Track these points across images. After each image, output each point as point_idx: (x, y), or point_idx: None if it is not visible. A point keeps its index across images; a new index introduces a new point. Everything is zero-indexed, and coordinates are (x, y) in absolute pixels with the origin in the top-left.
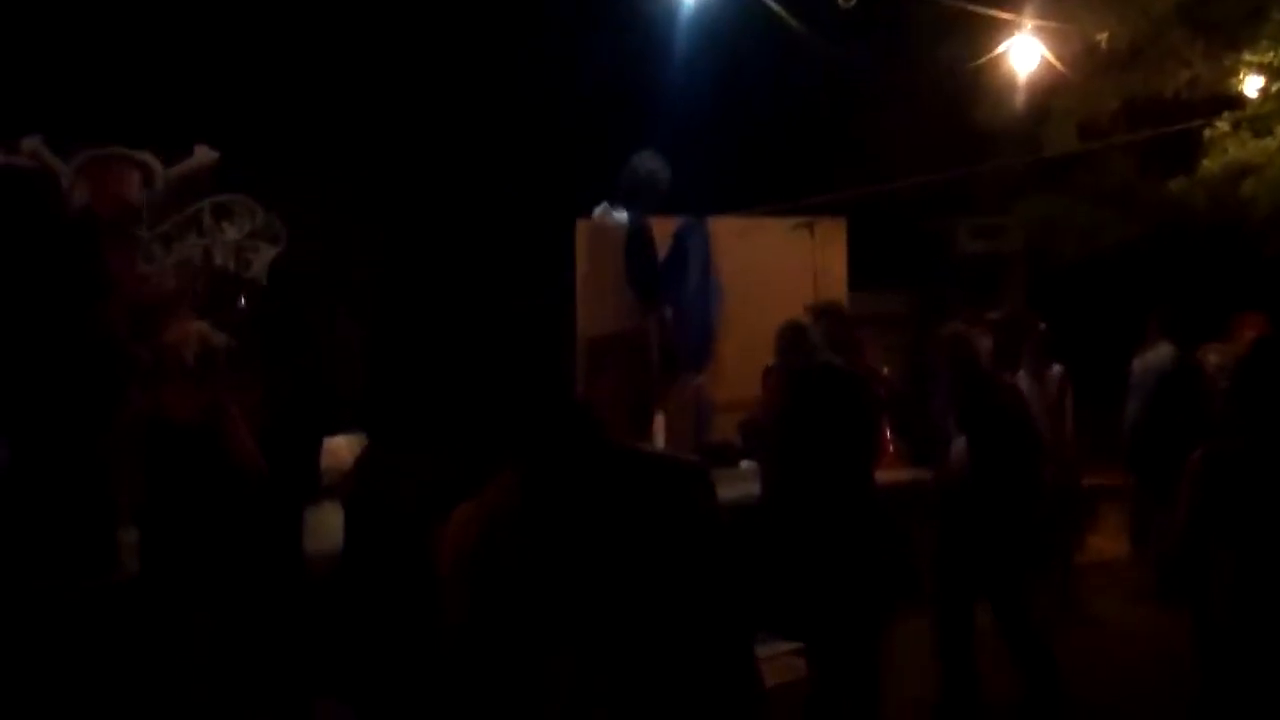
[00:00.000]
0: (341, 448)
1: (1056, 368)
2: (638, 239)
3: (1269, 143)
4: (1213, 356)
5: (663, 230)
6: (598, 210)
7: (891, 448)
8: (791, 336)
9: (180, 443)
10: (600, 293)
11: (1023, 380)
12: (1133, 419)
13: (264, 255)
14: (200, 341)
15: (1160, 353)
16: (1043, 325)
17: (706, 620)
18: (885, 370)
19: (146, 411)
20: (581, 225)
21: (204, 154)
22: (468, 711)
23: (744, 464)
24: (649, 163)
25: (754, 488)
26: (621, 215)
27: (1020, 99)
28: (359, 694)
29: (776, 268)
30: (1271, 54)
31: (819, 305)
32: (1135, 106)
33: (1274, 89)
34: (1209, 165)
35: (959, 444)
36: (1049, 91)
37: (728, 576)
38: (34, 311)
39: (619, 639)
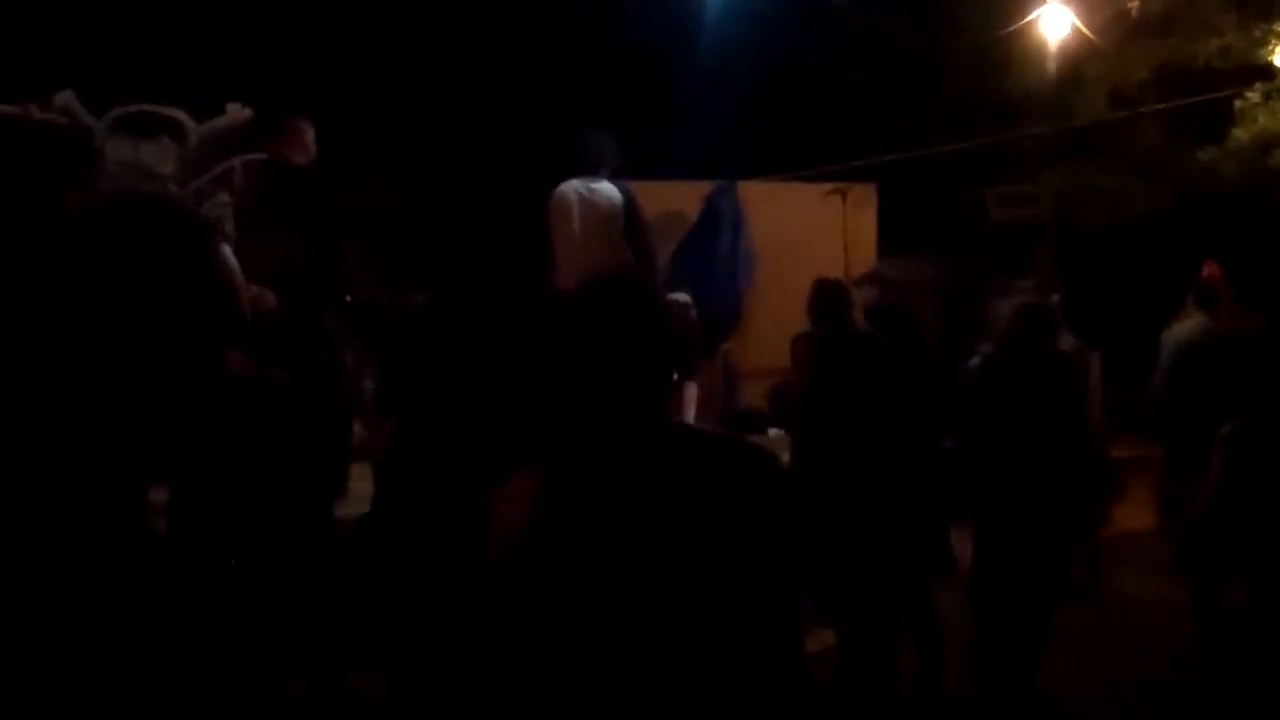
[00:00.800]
0: None
1: (1070, 340)
2: (634, 208)
3: None
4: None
5: (694, 194)
6: (574, 184)
7: None
8: (822, 299)
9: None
10: (597, 264)
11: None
12: (1160, 390)
13: None
14: (252, 303)
15: (1191, 324)
16: (1056, 296)
17: (762, 620)
18: None
19: None
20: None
21: (236, 112)
22: (499, 694)
23: (772, 432)
24: (603, 136)
25: (783, 456)
26: (605, 186)
27: (1051, 66)
28: (389, 661)
29: (807, 233)
30: None
31: (866, 273)
32: (1166, 75)
33: None
34: (1239, 135)
35: None
36: (1079, 59)
37: (790, 575)
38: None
39: (664, 636)
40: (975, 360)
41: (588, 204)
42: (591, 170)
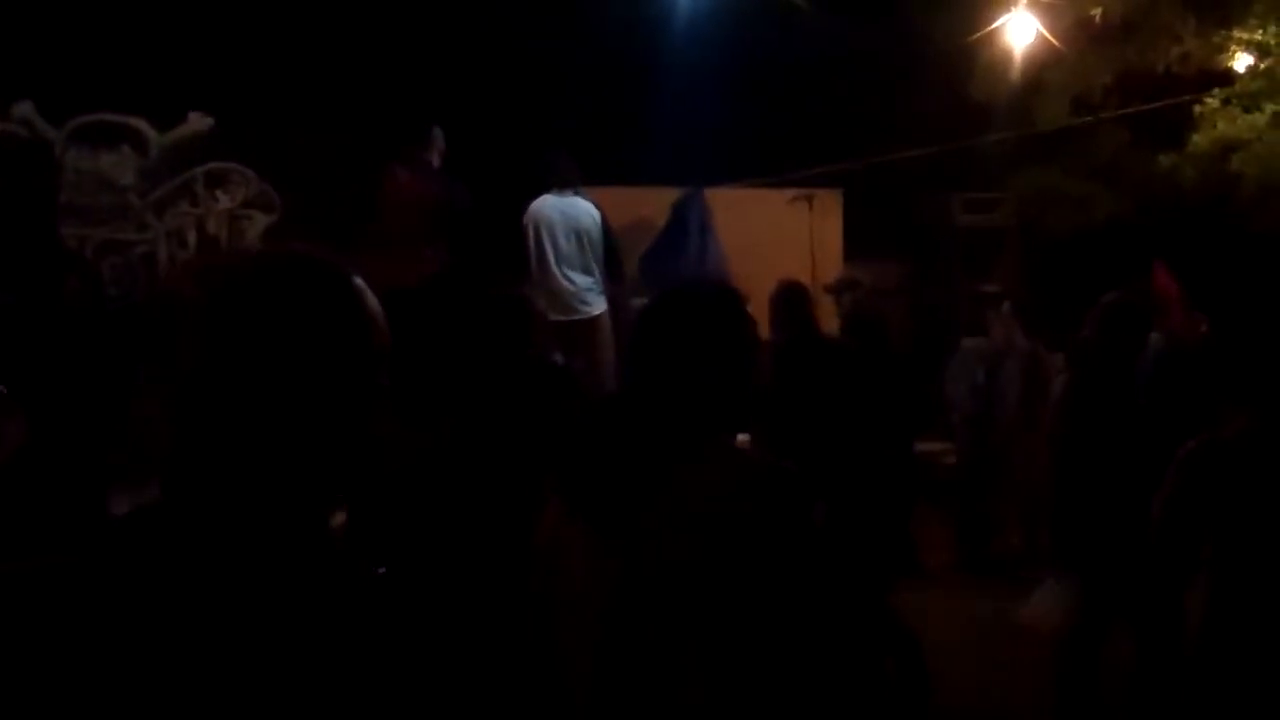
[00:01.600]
0: None
1: (1023, 342)
2: (608, 224)
3: (1257, 119)
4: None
5: (662, 201)
6: (551, 199)
7: None
8: (783, 303)
9: None
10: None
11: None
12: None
13: (257, 224)
14: None
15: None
16: (1006, 303)
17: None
18: None
19: None
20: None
21: (198, 121)
22: None
23: (740, 436)
24: (568, 155)
25: None
26: (583, 202)
27: (1015, 73)
28: None
29: (774, 239)
30: (1261, 31)
31: (843, 279)
32: (1127, 81)
33: (1263, 66)
34: (1199, 140)
35: None
36: (1043, 66)
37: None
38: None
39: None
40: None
41: (569, 219)
42: (566, 186)
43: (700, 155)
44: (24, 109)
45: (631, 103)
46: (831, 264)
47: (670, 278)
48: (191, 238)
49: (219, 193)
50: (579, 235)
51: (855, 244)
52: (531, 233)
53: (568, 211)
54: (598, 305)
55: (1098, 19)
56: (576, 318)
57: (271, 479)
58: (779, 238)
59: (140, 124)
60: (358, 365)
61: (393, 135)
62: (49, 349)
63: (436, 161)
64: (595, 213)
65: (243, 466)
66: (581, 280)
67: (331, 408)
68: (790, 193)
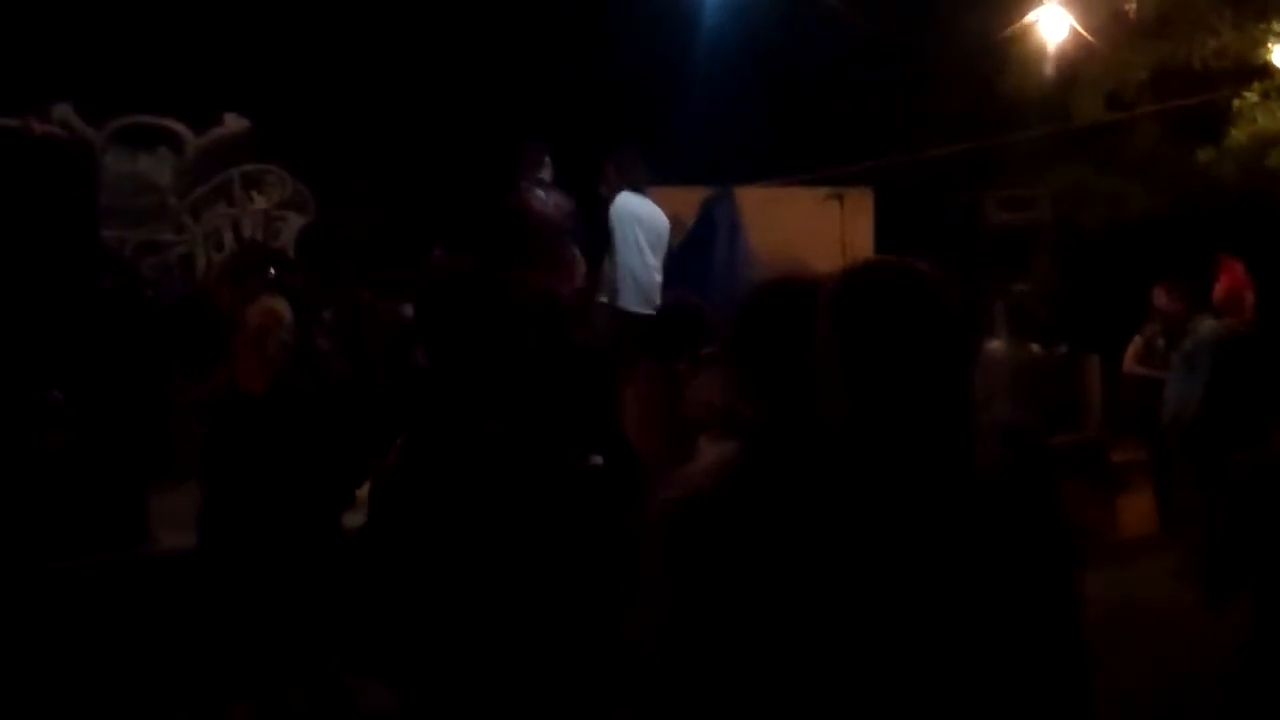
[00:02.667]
0: None
1: (1034, 344)
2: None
3: None
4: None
5: (692, 200)
6: (634, 198)
7: None
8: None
9: (250, 415)
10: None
11: (1000, 349)
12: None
13: (292, 225)
14: (263, 314)
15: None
16: (1000, 301)
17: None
18: None
19: (223, 384)
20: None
21: (234, 123)
22: None
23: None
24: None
25: None
26: (654, 205)
27: (1049, 69)
28: (393, 670)
29: (805, 238)
30: None
31: None
32: (1163, 76)
33: None
34: (1236, 135)
35: None
36: (1077, 61)
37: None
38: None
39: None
40: None
41: (653, 219)
42: (638, 188)
43: (731, 154)
44: (64, 110)
45: (661, 101)
46: None
47: (699, 277)
48: (228, 238)
49: (255, 194)
50: (659, 235)
51: (887, 242)
52: (622, 227)
53: (650, 211)
54: None
55: (1132, 13)
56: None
57: None
58: (810, 236)
59: (177, 126)
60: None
61: (505, 157)
62: (84, 347)
63: (549, 177)
64: (665, 218)
65: None
66: (660, 277)
67: None
68: (821, 191)
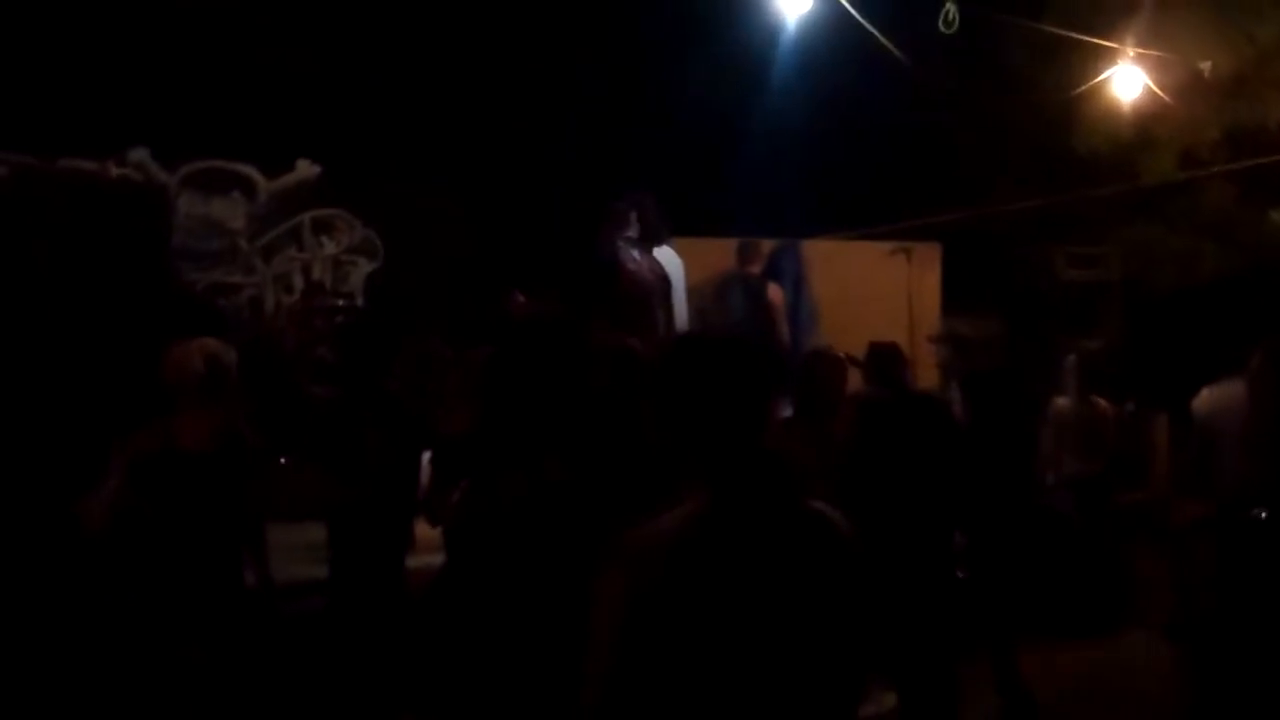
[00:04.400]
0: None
1: (1101, 400)
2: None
3: None
4: None
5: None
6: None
7: None
8: (874, 362)
9: (190, 473)
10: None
11: (1067, 406)
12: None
13: (361, 270)
14: (208, 359)
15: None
16: (1073, 356)
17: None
18: None
19: (157, 440)
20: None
21: (305, 168)
22: None
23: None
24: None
25: None
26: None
27: (1125, 127)
28: (452, 712)
29: (871, 292)
30: None
31: (941, 330)
32: (1237, 136)
33: None
34: None
35: None
36: (1150, 119)
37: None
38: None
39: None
40: None
41: (679, 272)
42: (660, 239)
43: (798, 206)
44: (139, 154)
45: (729, 153)
46: (930, 318)
47: None
48: (297, 282)
49: (324, 238)
50: (678, 285)
51: (954, 298)
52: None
53: (677, 263)
54: None
55: (1207, 73)
56: None
57: None
58: (877, 291)
59: (250, 170)
60: None
61: (580, 210)
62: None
63: (637, 236)
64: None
65: None
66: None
67: None
68: (889, 245)
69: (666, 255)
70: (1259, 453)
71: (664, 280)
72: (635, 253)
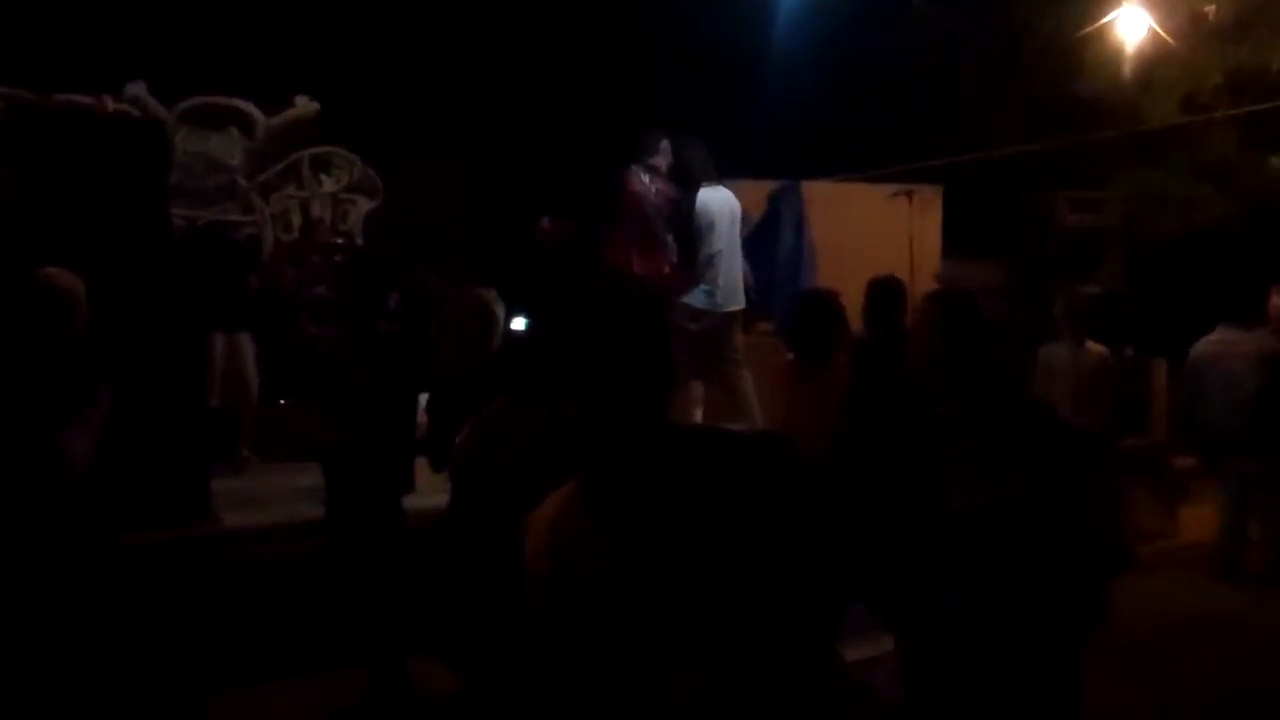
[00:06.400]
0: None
1: (1096, 346)
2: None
3: None
4: None
5: (756, 193)
6: (709, 191)
7: None
8: (876, 299)
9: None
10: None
11: (1060, 351)
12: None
13: (360, 208)
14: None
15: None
16: (1062, 300)
17: (791, 606)
18: None
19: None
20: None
21: (304, 105)
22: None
23: None
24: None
25: None
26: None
27: (1126, 70)
28: (456, 652)
29: (871, 235)
30: None
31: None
32: (1239, 81)
33: None
34: None
35: None
36: (1153, 63)
37: (820, 562)
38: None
39: (698, 633)
40: None
41: (730, 210)
42: (713, 177)
43: (797, 148)
44: (137, 89)
45: (730, 95)
46: (930, 261)
47: (764, 274)
48: (296, 220)
49: (323, 176)
50: (735, 225)
51: (955, 242)
52: (706, 227)
53: (728, 202)
54: None
55: (1210, 15)
56: (740, 307)
57: None
58: (877, 233)
59: (248, 107)
60: None
61: (621, 142)
62: (152, 326)
63: (664, 167)
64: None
65: None
66: (742, 268)
67: None
68: (890, 188)
69: (721, 195)
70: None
71: (674, 205)
72: (646, 177)
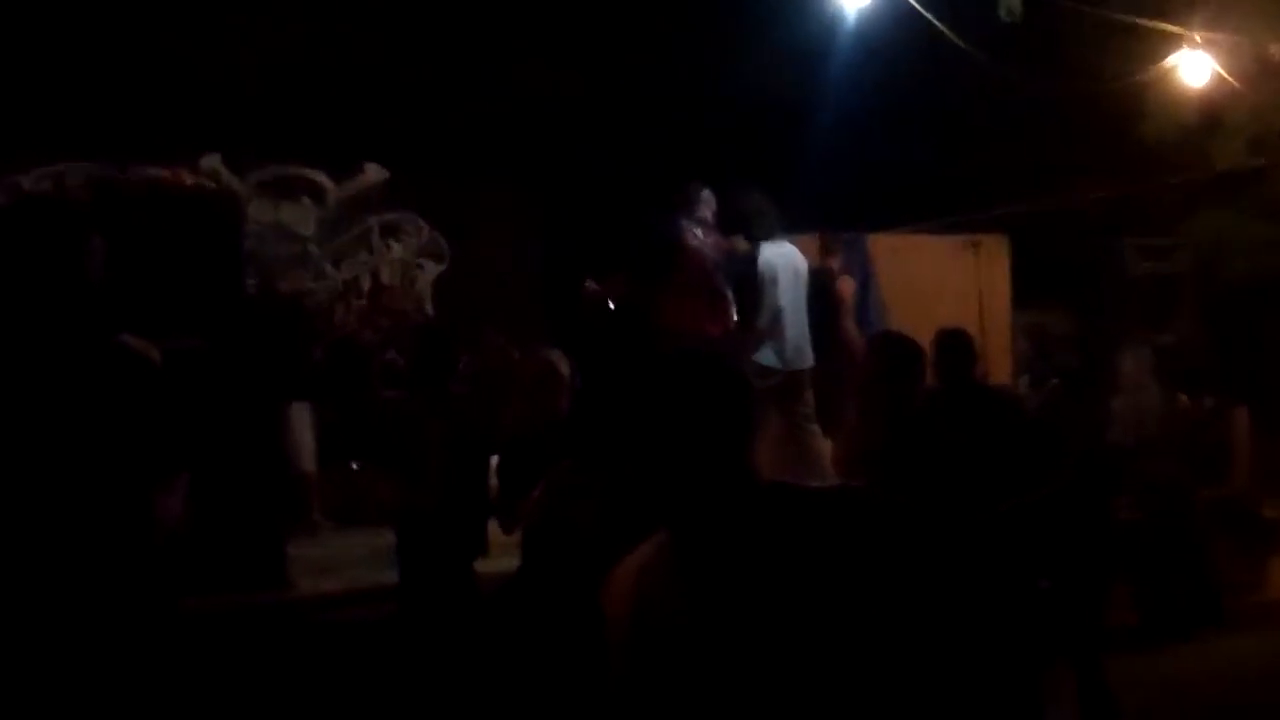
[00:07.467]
0: None
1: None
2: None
3: None
4: None
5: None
6: (773, 246)
7: None
8: (941, 351)
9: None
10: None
11: (1142, 402)
12: None
13: (428, 273)
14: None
15: None
16: (1148, 350)
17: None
18: None
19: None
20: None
21: (373, 172)
22: None
23: None
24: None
25: None
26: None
27: (1193, 113)
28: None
29: (939, 286)
30: None
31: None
32: None
33: None
34: None
35: None
36: (1219, 105)
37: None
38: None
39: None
40: None
41: (794, 267)
42: (774, 233)
43: (861, 199)
44: (212, 161)
45: (793, 146)
46: (999, 312)
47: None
48: (366, 285)
49: (392, 242)
50: (799, 282)
51: (1024, 291)
52: (769, 283)
53: (791, 259)
54: None
55: (1277, 56)
56: (809, 365)
57: None
58: (944, 285)
59: (319, 176)
60: None
61: (656, 194)
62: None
63: (710, 218)
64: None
65: None
66: (805, 328)
67: None
68: (956, 238)
69: (785, 251)
70: None
71: (731, 258)
72: (699, 231)
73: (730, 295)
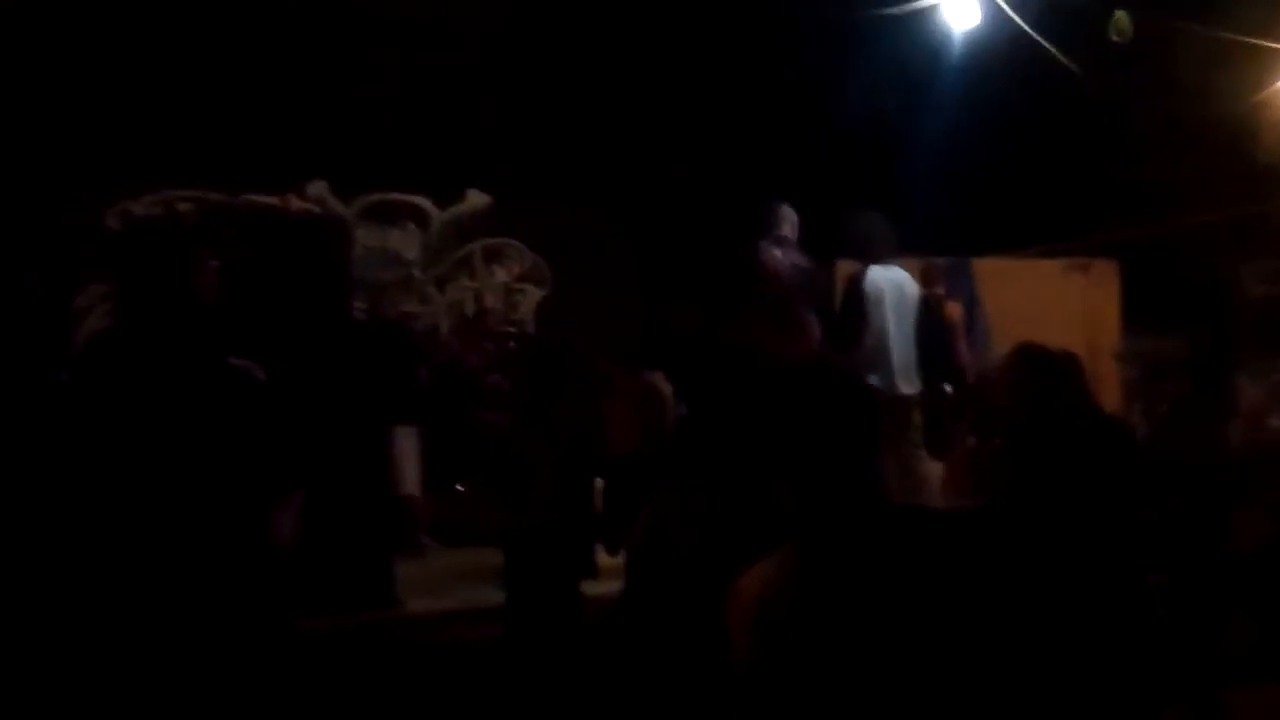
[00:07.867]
0: None
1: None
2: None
3: None
4: None
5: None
6: (881, 269)
7: None
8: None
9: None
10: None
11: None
12: None
13: (531, 298)
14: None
15: None
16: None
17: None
18: None
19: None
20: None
21: (476, 198)
22: None
23: None
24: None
25: None
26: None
27: None
28: None
29: (1045, 312)
30: None
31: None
32: None
33: None
34: None
35: None
36: None
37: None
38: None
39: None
40: None
41: (902, 290)
42: (883, 256)
43: (966, 223)
44: (318, 188)
45: (896, 169)
46: (1108, 338)
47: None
48: (470, 310)
49: (495, 267)
50: (906, 305)
51: (1135, 317)
52: (873, 305)
53: (899, 281)
54: None
55: None
56: (916, 390)
57: None
58: (1051, 310)
59: (423, 202)
60: None
61: (740, 215)
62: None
63: (793, 236)
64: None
65: None
66: (912, 352)
67: None
68: (1063, 262)
69: (894, 274)
70: None
71: (810, 279)
72: (778, 251)
73: (812, 316)
